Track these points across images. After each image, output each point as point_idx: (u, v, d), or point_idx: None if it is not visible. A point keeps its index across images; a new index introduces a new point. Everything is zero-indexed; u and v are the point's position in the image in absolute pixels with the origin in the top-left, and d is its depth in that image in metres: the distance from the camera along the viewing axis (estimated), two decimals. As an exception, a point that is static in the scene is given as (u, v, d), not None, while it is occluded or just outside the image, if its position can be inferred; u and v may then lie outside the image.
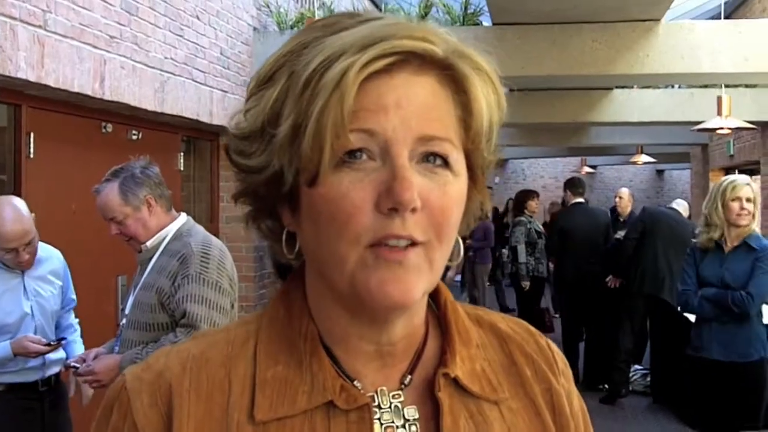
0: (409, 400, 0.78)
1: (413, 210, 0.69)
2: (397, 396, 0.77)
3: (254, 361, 0.77)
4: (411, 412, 0.77)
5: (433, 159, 0.72)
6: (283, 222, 0.78)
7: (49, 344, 3.24)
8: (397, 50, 0.70)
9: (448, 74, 0.73)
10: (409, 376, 0.79)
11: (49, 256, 3.46)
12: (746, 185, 4.16)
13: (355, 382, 0.76)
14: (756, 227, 4.21)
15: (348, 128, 0.69)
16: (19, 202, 3.22)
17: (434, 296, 0.84)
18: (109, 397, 0.78)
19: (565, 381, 0.87)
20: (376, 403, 0.76)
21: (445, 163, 0.73)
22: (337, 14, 0.79)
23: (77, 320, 3.70)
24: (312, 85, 0.69)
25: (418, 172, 0.71)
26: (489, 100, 0.75)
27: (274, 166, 0.73)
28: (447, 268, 0.79)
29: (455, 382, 0.79)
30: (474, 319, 0.86)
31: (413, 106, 0.71)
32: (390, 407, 0.77)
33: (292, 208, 0.76)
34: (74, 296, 3.63)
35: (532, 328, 0.90)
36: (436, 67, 0.73)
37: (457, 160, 0.74)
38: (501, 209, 14.65)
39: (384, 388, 0.77)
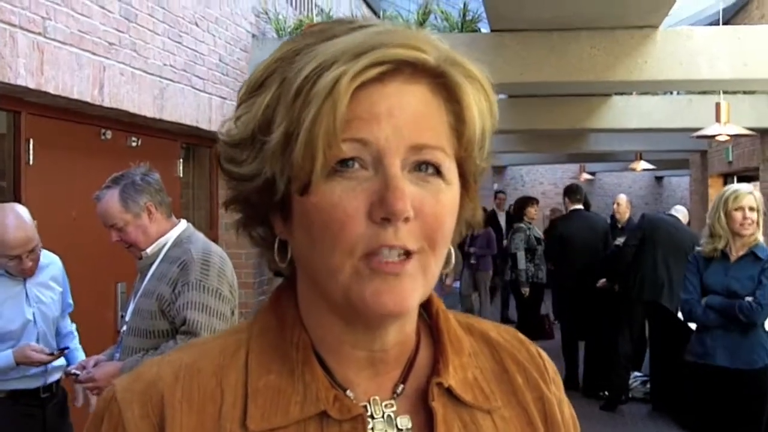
0: (402, 410, 0.77)
1: (406, 219, 0.69)
2: (389, 405, 0.77)
3: (246, 371, 0.76)
4: (404, 422, 0.76)
5: (425, 168, 0.72)
6: (274, 230, 0.78)
7: (51, 353, 3.24)
8: (389, 59, 0.69)
9: (440, 82, 0.73)
10: (402, 386, 0.78)
11: (50, 262, 3.46)
12: (749, 194, 4.11)
13: (347, 392, 0.76)
14: (761, 236, 4.17)
15: (340, 137, 0.68)
16: (23, 210, 3.22)
17: (426, 305, 0.83)
18: (100, 407, 0.77)
19: (556, 389, 0.86)
20: (369, 413, 0.76)
21: (438, 172, 0.72)
22: (330, 21, 0.78)
23: (74, 325, 3.70)
24: (304, 93, 0.69)
25: (411, 181, 0.70)
26: (481, 108, 0.74)
27: (265, 173, 0.72)
28: (443, 276, 0.78)
29: (448, 392, 0.78)
30: (465, 327, 0.86)
31: (405, 114, 0.70)
32: (383, 417, 0.76)
33: (284, 217, 0.75)
34: (71, 300, 3.64)
35: (523, 336, 0.90)
36: (429, 75, 0.72)
37: (450, 168, 0.73)
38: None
39: (376, 397, 0.77)
